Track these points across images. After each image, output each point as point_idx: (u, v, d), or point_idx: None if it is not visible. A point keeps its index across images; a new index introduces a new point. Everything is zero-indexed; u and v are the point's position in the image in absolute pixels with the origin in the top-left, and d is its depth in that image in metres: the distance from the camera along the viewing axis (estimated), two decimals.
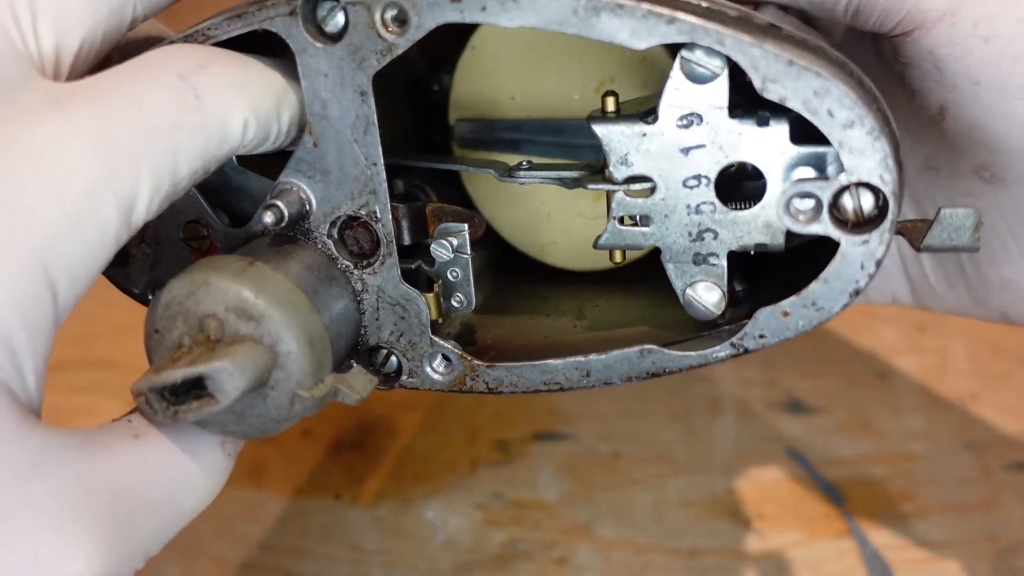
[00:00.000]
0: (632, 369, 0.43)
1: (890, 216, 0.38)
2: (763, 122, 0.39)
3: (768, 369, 0.75)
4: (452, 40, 0.49)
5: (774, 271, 0.45)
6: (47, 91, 0.35)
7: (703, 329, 0.43)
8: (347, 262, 0.43)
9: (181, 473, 0.37)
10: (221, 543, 0.65)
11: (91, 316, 0.34)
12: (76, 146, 0.33)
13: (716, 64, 0.38)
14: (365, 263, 0.43)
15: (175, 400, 0.36)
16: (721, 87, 0.38)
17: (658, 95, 0.39)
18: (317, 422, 0.73)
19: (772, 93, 0.37)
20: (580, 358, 0.43)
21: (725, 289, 0.42)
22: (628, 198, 0.41)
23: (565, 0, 0.37)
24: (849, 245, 0.38)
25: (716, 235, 0.41)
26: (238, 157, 0.41)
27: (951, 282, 0.52)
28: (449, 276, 0.45)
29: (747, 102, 0.39)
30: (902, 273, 0.53)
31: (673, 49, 0.38)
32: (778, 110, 0.38)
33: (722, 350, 0.42)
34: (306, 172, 0.42)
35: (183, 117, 0.36)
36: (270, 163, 0.41)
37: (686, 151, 0.40)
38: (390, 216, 0.42)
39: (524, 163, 0.46)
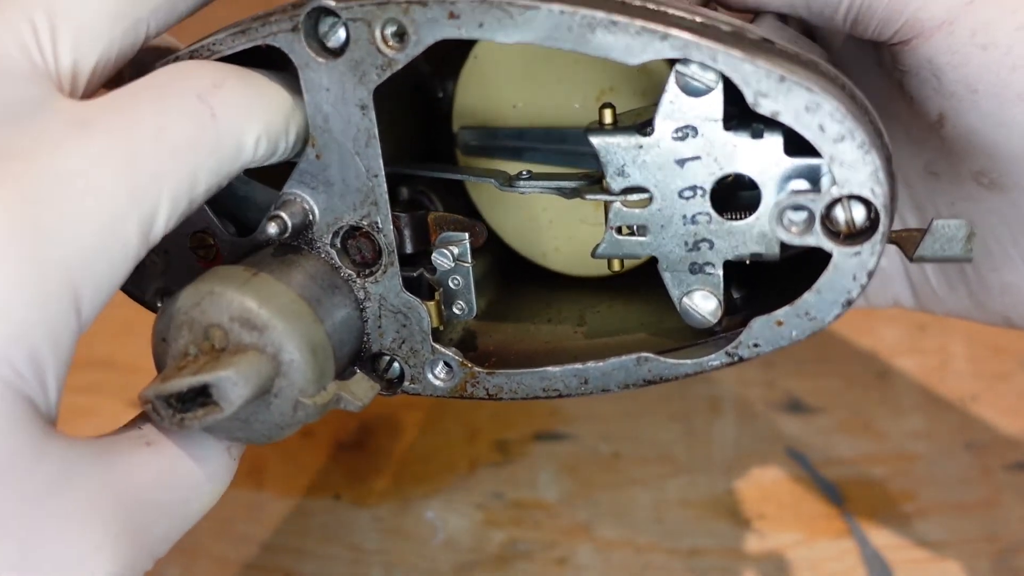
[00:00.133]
0: (629, 376, 0.43)
1: (881, 228, 0.38)
2: (757, 134, 0.39)
3: (768, 369, 0.76)
4: (456, 48, 0.50)
5: (771, 280, 0.45)
6: (71, 112, 0.36)
7: (700, 337, 0.44)
8: (350, 271, 0.43)
9: (190, 478, 0.39)
10: (221, 543, 0.66)
11: None
12: (104, 172, 0.34)
13: (711, 78, 0.38)
14: (367, 272, 0.43)
15: (181, 408, 0.37)
16: (716, 100, 0.39)
17: (654, 107, 0.40)
18: (317, 423, 0.72)
19: (764, 108, 0.37)
20: (578, 365, 0.44)
21: (721, 298, 0.42)
22: (625, 208, 0.41)
23: (560, 17, 0.37)
24: (841, 256, 0.39)
25: (712, 245, 0.41)
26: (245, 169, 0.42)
27: (952, 286, 0.52)
28: (450, 284, 0.45)
29: (742, 114, 0.39)
30: (904, 277, 0.53)
31: (671, 60, 0.38)
32: (773, 123, 0.38)
33: (717, 358, 0.42)
34: (309, 183, 0.42)
35: (201, 137, 0.37)
36: (274, 173, 0.42)
37: (682, 163, 0.40)
38: (391, 226, 0.42)
39: (524, 173, 0.46)
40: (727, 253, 0.41)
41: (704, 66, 0.38)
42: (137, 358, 0.76)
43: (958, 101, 0.44)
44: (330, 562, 0.64)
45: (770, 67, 0.37)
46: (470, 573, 0.63)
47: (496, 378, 0.45)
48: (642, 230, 0.42)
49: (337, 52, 0.40)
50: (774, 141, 0.39)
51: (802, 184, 0.39)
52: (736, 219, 0.41)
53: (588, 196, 0.43)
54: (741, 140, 0.39)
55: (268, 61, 0.41)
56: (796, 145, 0.39)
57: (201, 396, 0.37)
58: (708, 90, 0.39)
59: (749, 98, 0.37)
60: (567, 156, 0.49)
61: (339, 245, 0.43)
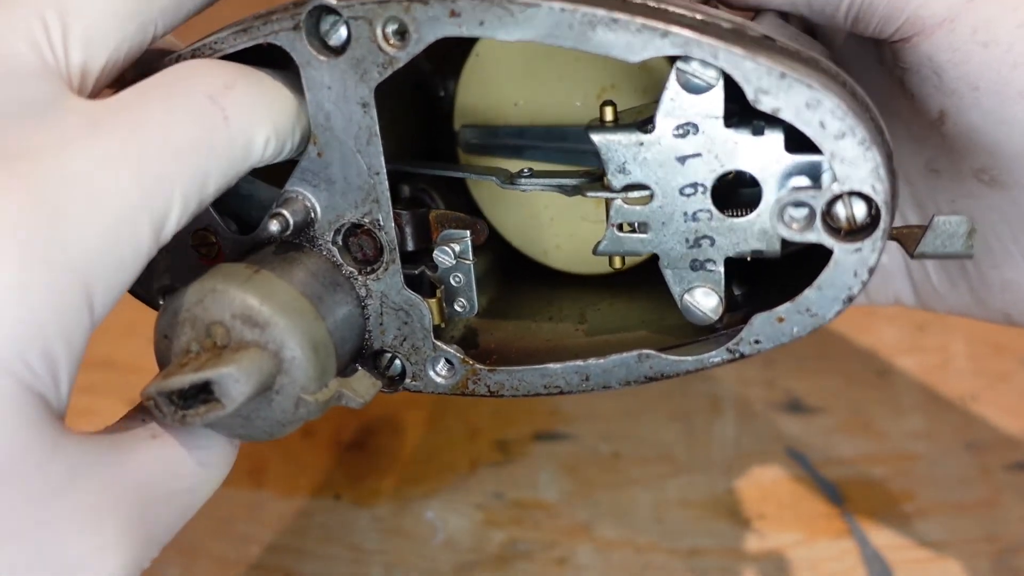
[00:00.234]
0: (630, 373, 0.43)
1: (882, 225, 0.38)
2: (758, 131, 0.39)
3: (768, 369, 0.76)
4: (457, 47, 0.50)
5: (771, 277, 0.45)
6: (83, 111, 0.36)
7: (701, 334, 0.44)
8: (351, 268, 0.43)
9: (195, 467, 0.39)
10: (221, 543, 0.66)
11: None
12: (117, 173, 0.34)
13: (711, 75, 0.38)
14: (369, 269, 0.43)
15: (183, 404, 0.37)
16: (716, 97, 0.39)
17: (655, 104, 0.40)
18: (317, 422, 0.73)
19: (765, 105, 0.37)
20: (579, 362, 0.44)
21: (722, 295, 0.42)
22: (626, 205, 0.42)
23: (561, 15, 0.37)
24: (842, 253, 0.39)
25: (713, 242, 0.41)
26: None
27: (953, 283, 0.52)
28: (452, 281, 0.45)
29: (743, 111, 0.39)
30: (905, 274, 0.53)
31: (672, 56, 0.38)
32: (773, 119, 0.38)
33: (718, 355, 0.42)
34: (311, 181, 0.42)
35: (213, 138, 0.37)
36: (276, 171, 0.42)
37: (683, 160, 0.40)
38: (393, 224, 0.43)
39: (525, 170, 0.46)
40: (728, 250, 0.41)
41: (705, 63, 0.38)
42: (137, 358, 0.77)
43: (959, 99, 0.44)
44: (330, 562, 0.64)
45: (771, 64, 0.37)
46: (470, 573, 0.63)
47: (498, 375, 0.45)
48: (643, 227, 0.42)
49: (338, 50, 0.40)
50: (775, 138, 0.39)
51: (803, 181, 0.39)
52: (737, 216, 0.41)
53: (589, 193, 0.43)
54: (742, 137, 0.40)
55: (269, 59, 0.41)
56: (797, 142, 0.39)
57: (203, 393, 0.37)
58: (709, 87, 0.39)
59: (750, 95, 0.37)
60: (568, 154, 0.49)
61: (341, 243, 0.43)
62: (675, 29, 0.37)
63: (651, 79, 0.48)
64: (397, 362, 0.45)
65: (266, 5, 0.41)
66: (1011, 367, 0.75)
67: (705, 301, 0.43)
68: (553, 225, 0.52)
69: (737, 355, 0.42)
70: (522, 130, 0.51)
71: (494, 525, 0.66)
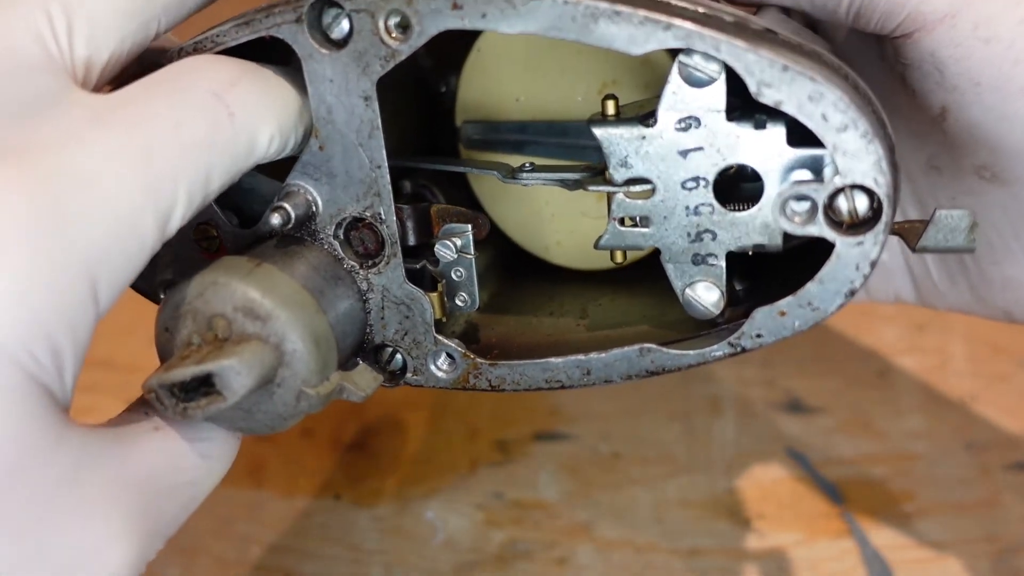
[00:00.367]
0: (632, 367, 0.43)
1: (884, 218, 0.38)
2: (760, 125, 0.39)
3: (768, 369, 0.76)
4: (459, 43, 0.50)
5: (773, 271, 0.45)
6: (89, 105, 0.36)
7: (703, 328, 0.44)
8: (353, 262, 0.43)
9: (199, 459, 0.39)
10: (221, 543, 0.65)
11: None
12: (122, 168, 0.34)
13: (713, 68, 0.38)
14: (370, 263, 0.43)
15: (185, 397, 0.37)
16: (719, 91, 0.39)
17: (657, 98, 0.40)
18: (317, 422, 0.73)
19: (767, 98, 0.37)
20: (581, 356, 0.44)
21: (724, 289, 0.42)
22: (628, 199, 0.42)
23: (564, 7, 0.37)
24: (844, 246, 0.39)
25: (715, 236, 0.41)
26: None
27: (954, 280, 0.52)
28: (453, 276, 0.45)
29: (745, 105, 0.39)
30: (905, 271, 0.53)
31: (673, 51, 0.38)
32: (775, 113, 0.38)
33: (720, 349, 0.42)
34: (312, 175, 0.42)
35: (217, 135, 0.37)
36: (277, 164, 0.42)
37: (685, 153, 0.40)
38: (395, 218, 0.43)
39: (527, 165, 0.46)
40: (730, 244, 0.41)
41: (707, 56, 0.38)
42: (137, 358, 0.77)
43: (960, 95, 0.44)
44: (330, 562, 0.64)
45: (773, 57, 0.37)
46: (470, 573, 0.63)
47: (499, 369, 0.45)
48: (645, 221, 0.42)
49: (341, 43, 0.40)
50: (777, 132, 0.39)
51: (805, 174, 0.39)
52: (739, 210, 0.41)
53: (591, 187, 0.43)
54: (744, 131, 0.40)
55: (270, 54, 0.41)
56: (799, 136, 0.39)
57: (204, 385, 0.37)
58: (711, 81, 0.39)
59: (752, 88, 0.37)
60: (569, 149, 0.49)
61: (342, 236, 0.43)
62: (678, 22, 0.37)
63: (653, 74, 0.48)
64: (398, 356, 0.45)
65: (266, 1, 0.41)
66: (1010, 368, 0.75)
67: (707, 295, 0.42)
68: (554, 221, 0.52)
69: (739, 349, 0.42)
70: (523, 125, 0.51)
71: (494, 525, 0.66)
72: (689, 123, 0.40)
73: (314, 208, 0.43)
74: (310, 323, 0.39)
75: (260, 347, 0.38)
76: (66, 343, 0.33)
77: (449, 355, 0.45)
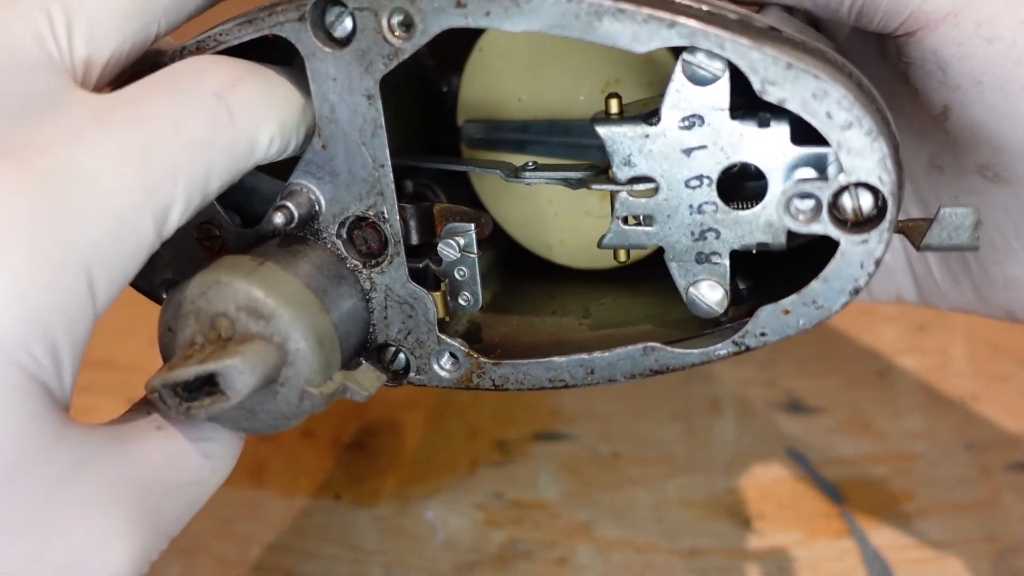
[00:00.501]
0: (635, 366, 0.43)
1: (889, 216, 0.38)
2: (764, 123, 0.39)
3: (768, 369, 0.76)
4: (461, 42, 0.50)
5: (776, 270, 0.45)
6: (89, 104, 0.36)
7: (706, 327, 0.44)
8: (356, 261, 0.43)
9: (202, 459, 0.39)
10: (222, 543, 0.65)
11: None
12: (121, 167, 0.34)
13: (717, 67, 0.38)
14: (373, 262, 0.43)
15: (188, 397, 0.37)
16: (722, 89, 0.39)
17: (661, 97, 0.40)
18: (318, 422, 0.73)
19: (771, 95, 0.37)
20: (584, 355, 0.44)
21: (728, 287, 0.42)
22: (631, 198, 0.41)
23: (567, 5, 0.37)
24: (849, 244, 0.39)
25: (718, 234, 0.41)
26: None
27: (956, 280, 0.52)
28: (456, 275, 0.45)
29: (748, 103, 0.39)
30: (907, 271, 0.53)
31: (676, 50, 0.38)
32: (779, 111, 0.38)
33: (724, 347, 0.42)
34: (315, 174, 0.42)
35: (217, 135, 0.37)
36: (280, 164, 0.42)
37: (688, 152, 0.40)
38: (398, 217, 0.42)
39: (530, 164, 0.46)
40: (734, 242, 0.41)
41: (711, 54, 0.38)
42: (137, 358, 0.77)
43: (963, 93, 0.44)
44: (330, 562, 0.64)
45: (777, 54, 0.37)
46: (470, 573, 0.63)
47: (502, 369, 0.45)
48: (648, 220, 0.42)
49: (344, 42, 0.40)
50: (781, 130, 0.39)
51: (809, 173, 0.39)
52: (742, 208, 0.41)
53: (594, 186, 0.43)
54: (748, 129, 0.39)
55: (272, 53, 0.41)
56: (803, 134, 0.39)
57: (208, 385, 0.37)
58: (715, 79, 0.39)
59: (756, 86, 0.37)
60: (572, 149, 0.49)
61: (345, 235, 0.43)
62: (681, 19, 0.37)
63: (656, 73, 0.48)
64: (401, 356, 0.45)
65: None
66: (1011, 368, 0.75)
67: (710, 294, 0.42)
68: (556, 220, 0.52)
69: (743, 348, 0.42)
70: (526, 125, 0.51)
71: (494, 525, 0.66)
72: (693, 121, 0.40)
73: (317, 207, 0.43)
74: (313, 322, 0.39)
75: (264, 346, 0.38)
76: (64, 342, 0.33)
77: (452, 354, 0.45)
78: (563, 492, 0.68)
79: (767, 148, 0.40)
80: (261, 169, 0.43)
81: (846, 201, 0.38)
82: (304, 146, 0.42)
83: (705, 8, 0.38)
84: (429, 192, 0.50)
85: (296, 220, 0.42)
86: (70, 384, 0.34)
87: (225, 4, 0.44)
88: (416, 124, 0.54)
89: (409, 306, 0.44)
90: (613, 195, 0.42)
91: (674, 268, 0.42)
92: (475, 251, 0.45)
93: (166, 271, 0.46)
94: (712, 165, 0.40)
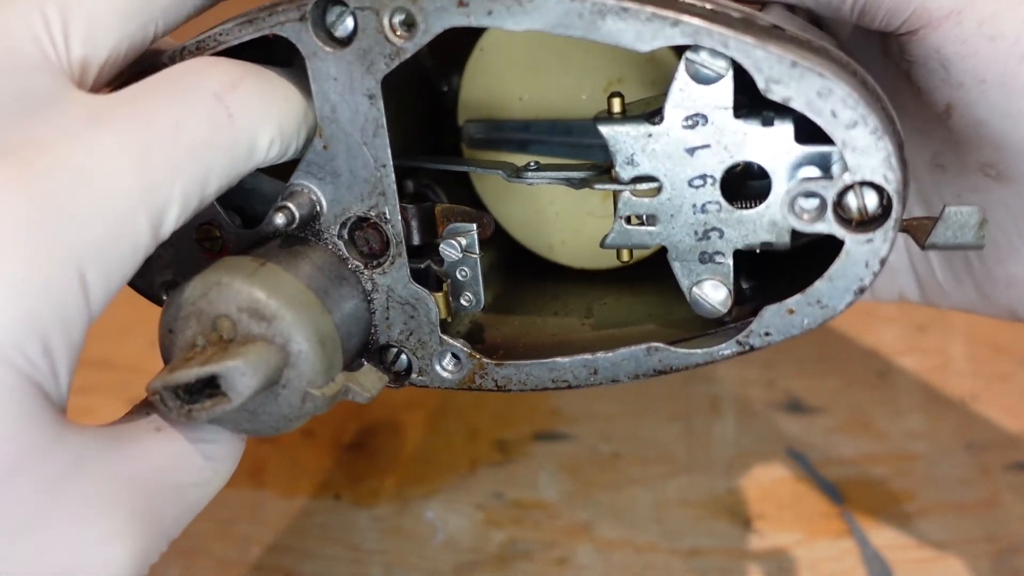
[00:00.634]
0: (639, 367, 0.43)
1: (894, 215, 0.38)
2: (768, 122, 0.39)
3: (768, 369, 0.76)
4: (462, 42, 0.50)
5: (781, 269, 0.45)
6: (86, 104, 0.36)
7: (710, 327, 0.44)
8: (357, 262, 0.43)
9: (202, 460, 0.39)
10: (222, 543, 0.65)
11: None
12: (117, 168, 0.34)
13: (721, 65, 0.38)
14: (375, 263, 0.43)
15: (189, 399, 0.37)
16: (726, 88, 0.39)
17: (664, 96, 0.40)
18: (318, 423, 0.73)
19: (775, 94, 0.37)
20: (588, 356, 0.43)
21: (731, 287, 0.42)
22: (634, 198, 0.41)
23: (570, 4, 0.37)
24: (854, 244, 0.39)
25: (722, 234, 0.41)
26: None
27: (958, 279, 0.52)
28: (458, 275, 0.45)
29: (752, 102, 0.39)
30: (910, 270, 0.53)
31: (679, 49, 0.38)
32: (783, 110, 0.38)
33: (728, 347, 0.42)
34: (316, 174, 0.42)
35: (216, 137, 0.37)
36: (281, 165, 0.42)
37: (692, 151, 0.40)
38: (399, 217, 0.42)
39: (532, 164, 0.46)
40: (737, 242, 0.41)
41: (714, 53, 0.38)
42: (136, 358, 0.77)
43: (966, 92, 0.44)
44: (330, 562, 0.64)
45: (782, 53, 0.36)
46: (470, 573, 0.63)
47: (505, 369, 0.44)
48: (651, 219, 0.42)
49: (345, 41, 0.40)
50: (784, 129, 0.39)
51: (813, 171, 0.39)
52: (746, 208, 0.41)
53: (597, 186, 0.43)
54: (751, 128, 0.39)
55: (273, 54, 0.41)
56: (806, 133, 0.39)
57: (209, 387, 0.37)
58: (718, 78, 0.39)
59: (760, 84, 0.37)
60: (573, 148, 0.49)
61: (346, 236, 0.43)
62: (685, 18, 0.37)
63: (658, 72, 0.48)
64: (403, 357, 0.45)
65: None
66: (1011, 368, 0.75)
67: (714, 294, 0.42)
68: (558, 220, 0.52)
69: (747, 347, 0.42)
70: (527, 124, 0.50)
71: (494, 525, 0.66)
72: (696, 120, 0.40)
73: (318, 208, 0.42)
74: (315, 323, 0.39)
75: (265, 348, 0.38)
76: (60, 343, 0.33)
77: (454, 355, 0.45)
78: (563, 492, 0.68)
79: (771, 147, 0.39)
80: (261, 170, 0.43)
81: (851, 200, 0.38)
82: (305, 147, 0.42)
83: (709, 6, 0.38)
84: (430, 193, 0.50)
85: (297, 221, 0.42)
86: (66, 385, 0.34)
87: (224, 5, 0.44)
88: (417, 124, 0.53)
89: (411, 307, 0.44)
90: (616, 195, 0.42)
91: (677, 268, 0.42)
92: (477, 251, 0.45)
93: (166, 272, 0.45)
94: (716, 164, 0.40)
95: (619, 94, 0.42)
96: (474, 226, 0.45)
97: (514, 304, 0.50)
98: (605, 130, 0.41)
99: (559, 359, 0.44)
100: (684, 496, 0.67)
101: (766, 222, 0.40)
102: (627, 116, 0.41)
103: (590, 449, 0.71)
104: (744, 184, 0.41)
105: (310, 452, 0.71)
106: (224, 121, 0.37)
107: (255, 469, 0.70)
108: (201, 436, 0.39)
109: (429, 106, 0.54)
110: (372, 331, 0.44)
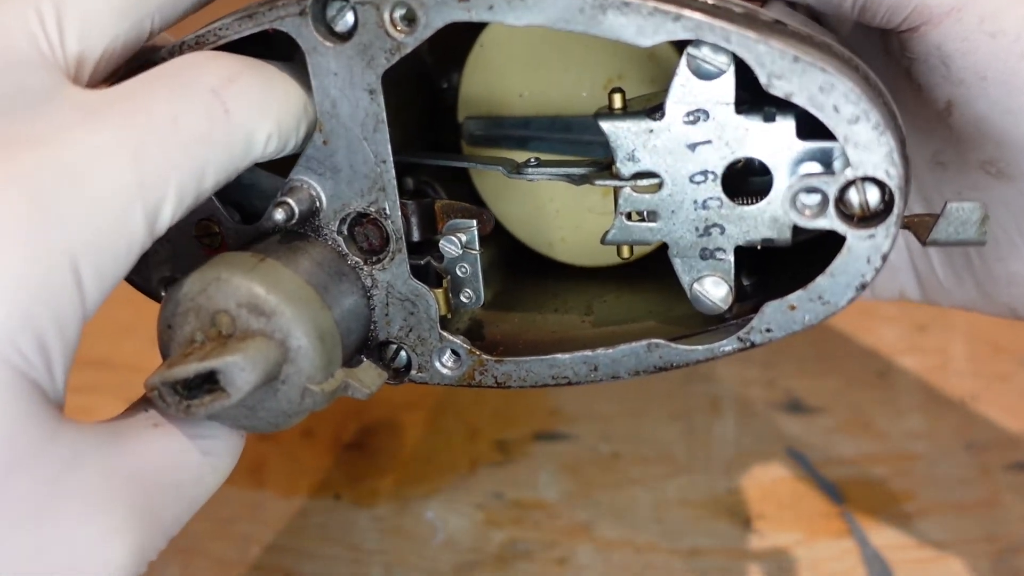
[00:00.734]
0: (639, 363, 0.43)
1: (896, 210, 0.38)
2: (769, 118, 0.39)
3: (768, 369, 0.75)
4: (461, 38, 0.50)
5: (782, 265, 0.45)
6: (81, 100, 0.36)
7: (710, 324, 0.44)
8: (357, 258, 0.43)
9: (199, 456, 0.39)
10: (221, 543, 0.65)
11: None
12: (111, 163, 0.34)
13: (722, 61, 0.38)
14: (375, 259, 0.43)
15: (188, 394, 0.37)
16: (727, 83, 0.39)
17: (665, 91, 0.40)
18: (318, 422, 0.73)
19: (777, 89, 0.37)
20: (588, 352, 0.43)
21: (732, 284, 0.42)
22: (635, 194, 0.41)
23: None
24: (855, 239, 0.39)
25: (723, 230, 0.41)
26: None
27: (959, 277, 0.52)
28: (458, 272, 0.45)
29: (753, 98, 0.39)
30: (910, 268, 0.53)
31: (680, 46, 0.38)
32: (784, 106, 0.38)
33: (729, 344, 0.42)
34: (316, 170, 0.42)
35: (213, 132, 0.37)
36: (280, 160, 0.42)
37: (693, 147, 0.40)
38: (399, 213, 0.42)
39: (532, 160, 0.46)
40: (738, 238, 0.41)
41: (716, 48, 0.38)
42: (136, 358, 0.77)
43: (967, 89, 0.44)
44: (330, 562, 0.64)
45: (784, 48, 0.36)
46: (470, 573, 0.63)
47: (505, 366, 0.44)
48: (652, 216, 0.42)
49: (345, 36, 0.40)
50: (786, 124, 0.39)
51: (815, 167, 0.39)
52: (748, 204, 0.40)
53: (598, 182, 0.43)
54: (753, 124, 0.39)
55: (273, 48, 0.41)
56: (808, 128, 0.39)
57: (207, 383, 0.37)
58: (720, 73, 0.38)
59: (763, 79, 0.37)
60: (573, 145, 0.49)
61: (346, 232, 0.43)
62: (687, 12, 0.37)
63: (659, 69, 0.48)
64: (403, 353, 0.45)
65: None
66: (1011, 367, 0.75)
67: (715, 290, 0.42)
68: (558, 218, 0.52)
69: (748, 344, 0.41)
70: (527, 121, 0.50)
71: (494, 525, 0.66)
72: (697, 116, 0.40)
73: (318, 203, 0.42)
74: (315, 319, 0.39)
75: (265, 343, 0.37)
76: (54, 339, 0.33)
77: (454, 352, 0.45)
78: (563, 492, 0.68)
79: (772, 143, 0.39)
80: (260, 165, 0.42)
81: (853, 196, 0.38)
82: (305, 143, 0.41)
83: (710, 2, 0.38)
84: (430, 190, 0.50)
85: (297, 216, 0.41)
86: (62, 382, 0.34)
87: (223, 3, 0.44)
88: (417, 121, 0.53)
89: (411, 303, 0.44)
90: (616, 191, 0.42)
91: (678, 264, 0.42)
92: (477, 248, 0.44)
93: (164, 268, 0.45)
94: (717, 160, 0.40)
95: (620, 90, 0.42)
96: (474, 222, 0.44)
97: (514, 301, 0.50)
98: (606, 126, 0.41)
99: (559, 355, 0.44)
100: (684, 496, 0.67)
101: (767, 218, 0.40)
102: (628, 112, 0.41)
103: (590, 449, 0.71)
104: (745, 180, 0.41)
105: (310, 451, 0.71)
106: (221, 116, 0.37)
107: (255, 468, 0.70)
108: (199, 432, 0.39)
109: (429, 103, 0.54)
110: (372, 327, 0.44)
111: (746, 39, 0.37)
